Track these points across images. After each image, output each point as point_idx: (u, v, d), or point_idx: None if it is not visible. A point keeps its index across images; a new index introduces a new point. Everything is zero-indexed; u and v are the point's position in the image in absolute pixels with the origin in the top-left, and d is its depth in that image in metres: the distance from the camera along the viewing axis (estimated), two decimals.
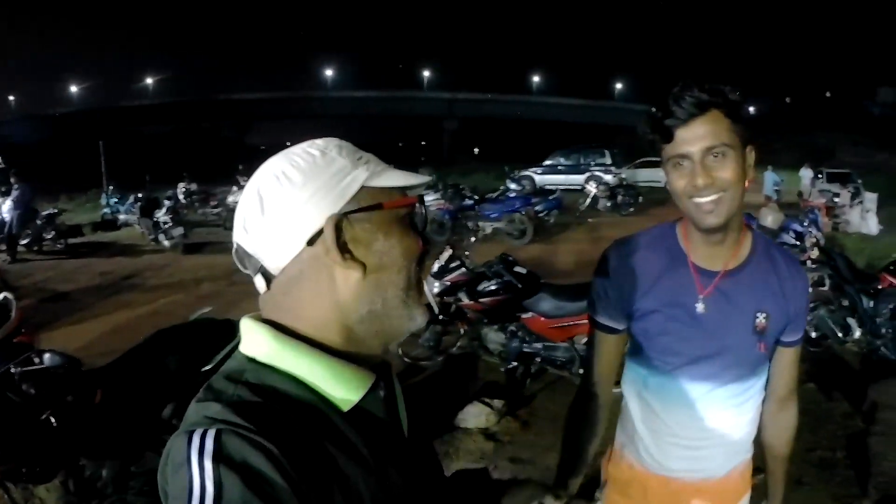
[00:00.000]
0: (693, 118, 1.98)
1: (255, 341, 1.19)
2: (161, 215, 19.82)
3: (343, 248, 1.19)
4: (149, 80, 78.02)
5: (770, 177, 30.97)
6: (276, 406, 1.09)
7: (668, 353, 2.27)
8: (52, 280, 15.53)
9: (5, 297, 5.75)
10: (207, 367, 4.40)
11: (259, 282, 1.25)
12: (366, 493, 1.12)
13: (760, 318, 2.19)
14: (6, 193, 19.20)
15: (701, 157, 2.00)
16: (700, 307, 2.20)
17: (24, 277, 15.61)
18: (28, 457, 4.56)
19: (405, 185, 1.27)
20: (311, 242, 1.19)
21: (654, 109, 2.06)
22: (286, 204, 1.20)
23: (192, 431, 1.01)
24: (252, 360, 1.18)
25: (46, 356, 4.80)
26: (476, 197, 21.39)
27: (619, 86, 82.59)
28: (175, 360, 5.22)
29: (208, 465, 0.97)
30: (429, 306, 1.33)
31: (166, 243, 19.47)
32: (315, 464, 1.06)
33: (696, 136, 1.99)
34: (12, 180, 19.00)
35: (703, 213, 2.04)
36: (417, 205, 1.31)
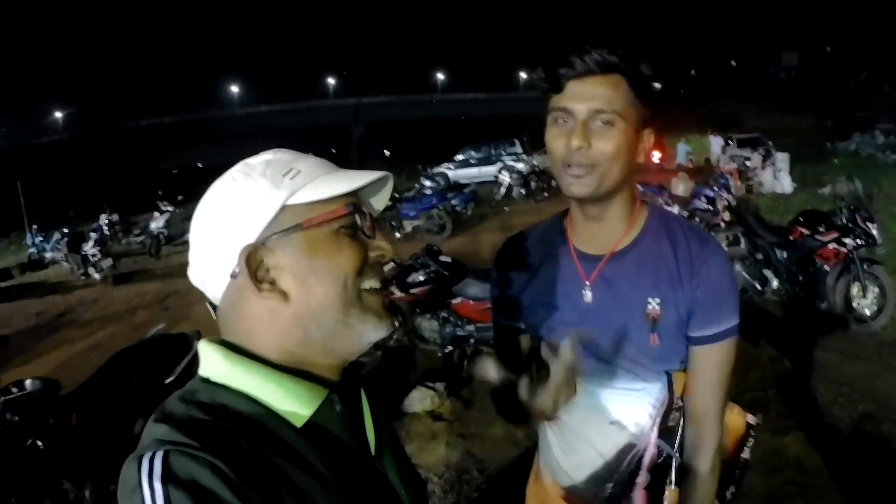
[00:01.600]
0: (591, 74, 1.78)
1: (209, 362, 1.20)
2: (89, 249, 19.72)
3: (261, 279, 1.18)
4: (58, 115, 76.39)
5: (682, 148, 32.14)
6: (225, 424, 1.09)
7: None
8: None
9: None
10: (170, 379, 4.81)
11: (211, 310, 1.29)
12: None
13: (653, 305, 1.91)
14: None
15: (586, 118, 1.79)
16: (588, 296, 1.97)
17: None
18: (17, 485, 4.65)
19: (346, 192, 1.23)
20: (234, 275, 1.19)
21: (552, 56, 1.83)
22: (208, 238, 1.22)
23: (141, 455, 1.02)
24: (206, 381, 1.18)
25: (27, 382, 4.98)
26: (395, 195, 21.65)
27: (522, 75, 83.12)
28: (137, 377, 5.42)
29: (157, 486, 0.97)
30: (392, 310, 1.31)
31: (96, 276, 19.40)
32: (266, 478, 1.06)
33: (588, 95, 1.78)
34: None
35: (571, 179, 1.84)
36: (355, 213, 1.25)
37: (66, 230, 24.09)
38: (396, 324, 1.32)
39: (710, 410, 1.98)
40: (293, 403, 1.17)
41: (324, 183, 1.22)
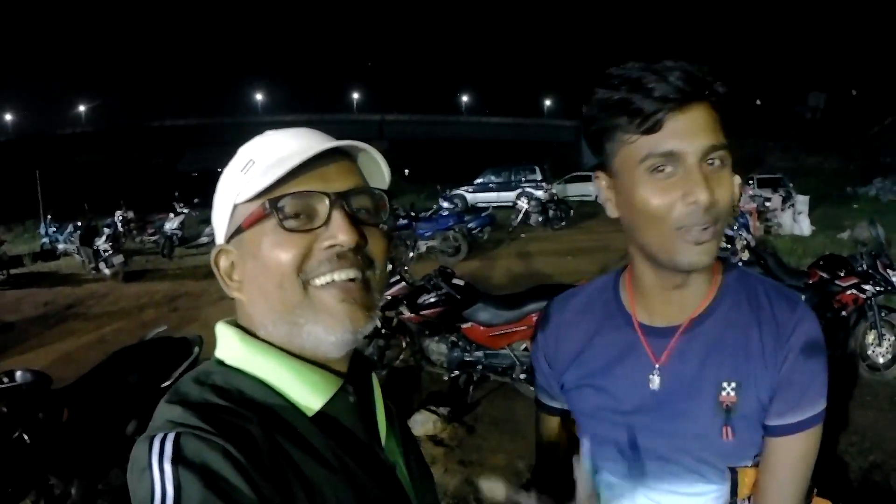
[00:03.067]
0: (690, 103, 1.34)
1: (226, 344, 1.20)
2: (101, 243, 19.72)
3: (231, 278, 1.23)
4: (81, 108, 76.79)
5: None
6: (239, 408, 1.08)
7: (605, 441, 1.63)
8: None
9: None
10: (167, 383, 4.76)
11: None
12: (331, 496, 1.10)
13: (728, 391, 1.50)
14: None
15: (699, 160, 1.35)
16: (655, 382, 1.56)
17: None
18: (1, 477, 4.62)
19: (275, 181, 1.13)
20: None
21: (621, 88, 1.37)
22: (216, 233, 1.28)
23: (153, 436, 1.01)
24: (221, 363, 1.19)
25: (18, 373, 4.93)
26: (412, 214, 21.58)
27: (547, 102, 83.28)
28: (135, 377, 5.34)
29: (168, 467, 0.97)
30: (368, 305, 1.19)
31: (107, 271, 19.33)
32: (276, 465, 1.05)
33: (696, 129, 1.34)
34: None
35: (694, 248, 1.39)
36: (273, 209, 1.14)
37: (79, 223, 24.01)
38: (367, 321, 1.19)
39: None
40: (307, 392, 1.16)
41: (261, 174, 1.16)
